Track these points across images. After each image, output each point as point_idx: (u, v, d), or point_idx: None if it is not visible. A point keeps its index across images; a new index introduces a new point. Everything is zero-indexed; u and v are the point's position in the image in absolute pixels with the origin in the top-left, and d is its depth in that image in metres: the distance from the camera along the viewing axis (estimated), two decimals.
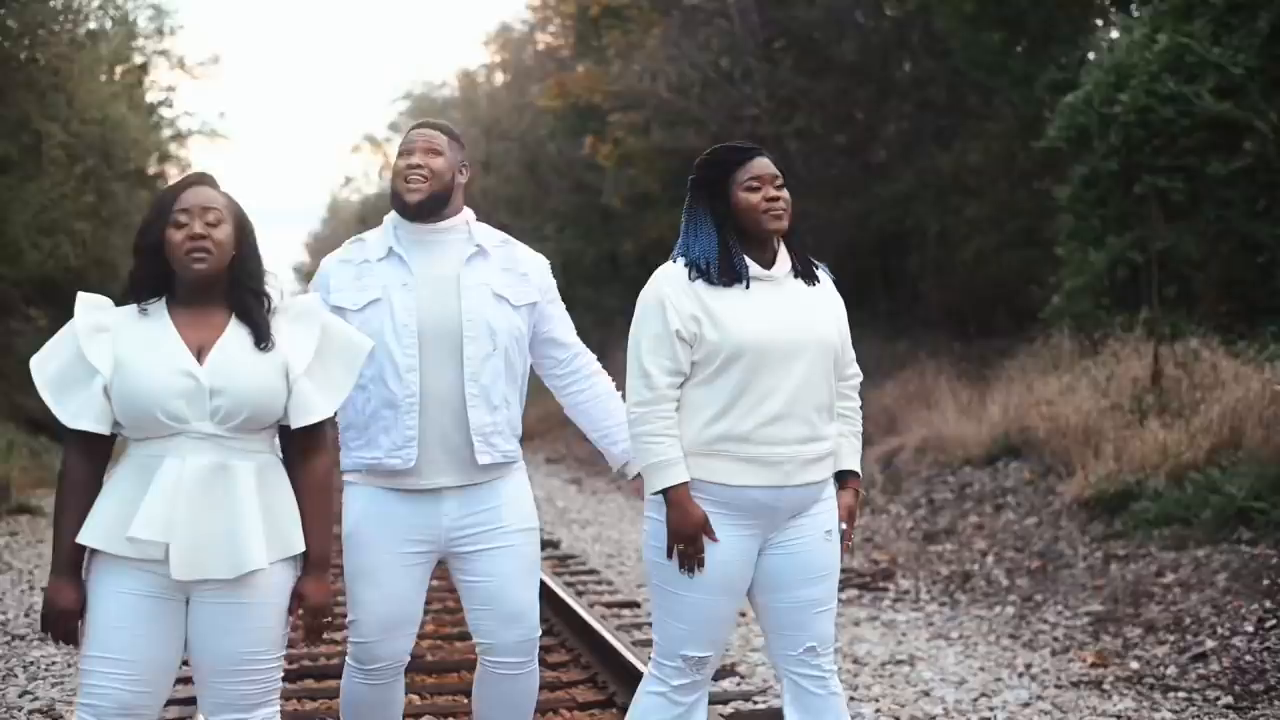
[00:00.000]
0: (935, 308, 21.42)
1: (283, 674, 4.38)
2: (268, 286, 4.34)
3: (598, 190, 29.18)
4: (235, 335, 4.20)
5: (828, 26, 19.47)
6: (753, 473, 4.70)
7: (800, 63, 20.48)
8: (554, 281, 5.45)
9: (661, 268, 4.86)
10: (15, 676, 8.32)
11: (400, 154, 5.23)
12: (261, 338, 4.20)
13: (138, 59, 37.28)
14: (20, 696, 7.80)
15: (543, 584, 6.24)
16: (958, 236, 20.42)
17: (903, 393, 17.47)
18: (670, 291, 4.74)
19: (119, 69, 35.21)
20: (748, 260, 4.76)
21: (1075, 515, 11.78)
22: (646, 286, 4.84)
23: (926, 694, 7.66)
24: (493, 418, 5.13)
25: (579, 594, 10.44)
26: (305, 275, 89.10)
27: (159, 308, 4.23)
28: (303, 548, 4.31)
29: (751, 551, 4.81)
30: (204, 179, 4.30)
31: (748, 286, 4.73)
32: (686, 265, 4.77)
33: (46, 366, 4.16)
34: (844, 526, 4.91)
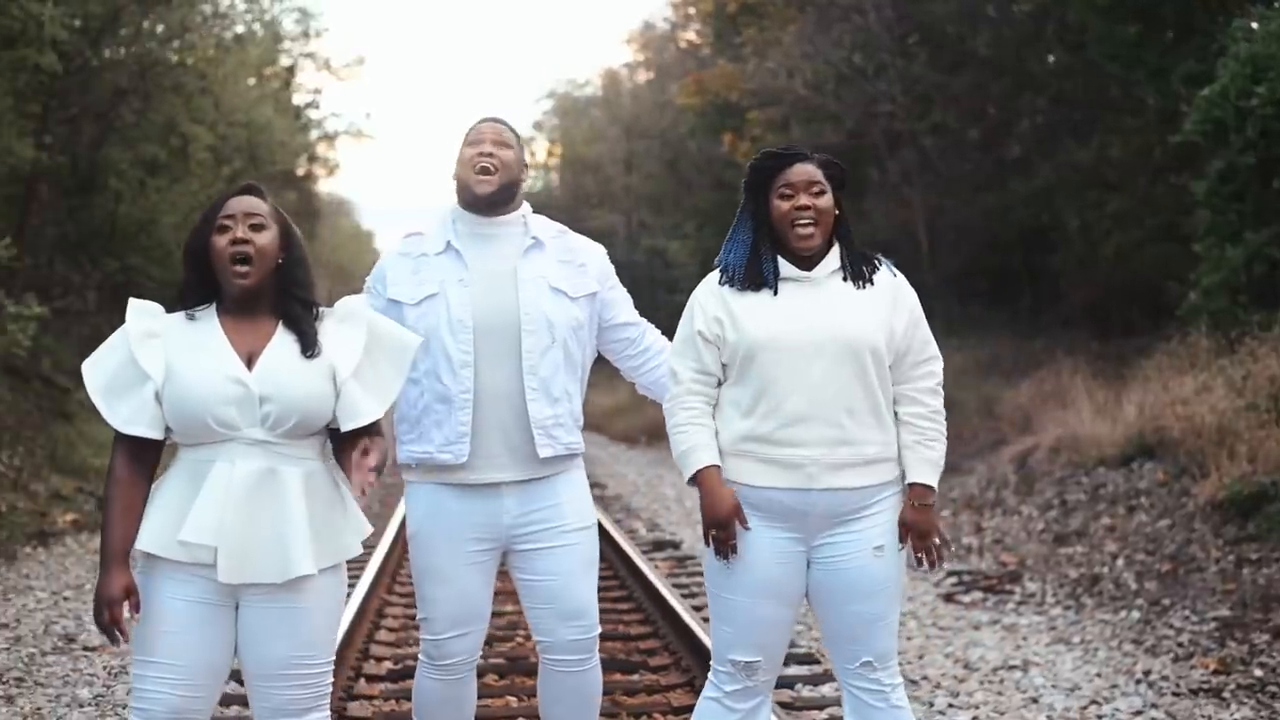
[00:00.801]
0: (1076, 305, 21.05)
1: (332, 679, 4.36)
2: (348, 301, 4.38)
3: (737, 188, 29.04)
4: (283, 342, 4.20)
5: (961, 20, 19.18)
6: (775, 474, 4.64)
7: (935, 58, 20.21)
8: (612, 267, 5.42)
9: (705, 279, 4.87)
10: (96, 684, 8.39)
11: (468, 143, 5.19)
12: (308, 345, 4.20)
13: (285, 62, 37.81)
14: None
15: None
16: (1099, 232, 20.06)
17: (1038, 391, 17.16)
18: (701, 296, 4.77)
19: (266, 72, 35.68)
20: (782, 263, 4.71)
21: (1209, 517, 11.47)
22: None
23: (1034, 701, 7.47)
24: (554, 410, 5.10)
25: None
26: None
27: (208, 314, 4.24)
28: (355, 553, 4.33)
29: (792, 556, 4.73)
30: (251, 189, 4.33)
31: (775, 292, 4.66)
32: (720, 271, 4.78)
33: (98, 371, 4.18)
34: (901, 546, 4.75)
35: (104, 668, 8.51)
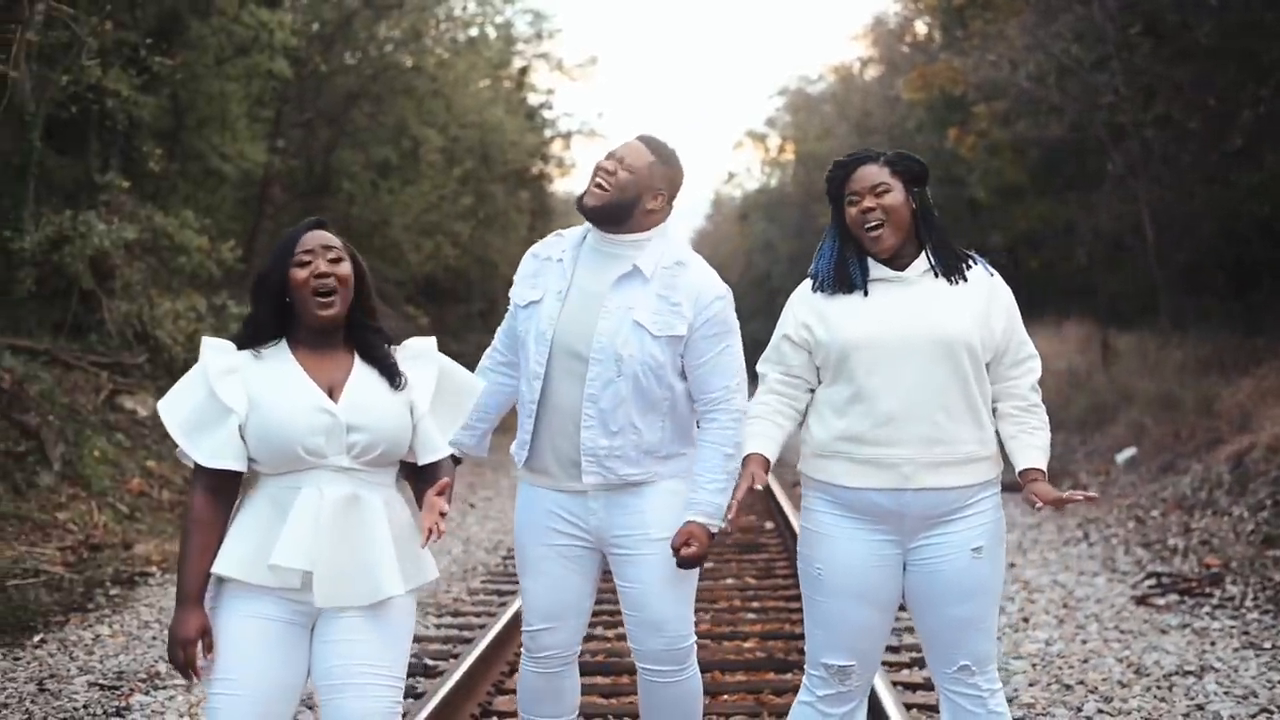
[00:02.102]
0: None
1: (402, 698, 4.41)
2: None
3: (965, 182, 28.75)
4: (364, 374, 4.29)
5: (1184, 8, 18.62)
6: (870, 474, 4.57)
7: (1158, 48, 19.67)
8: (719, 316, 5.13)
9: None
10: None
11: (607, 154, 5.19)
12: (393, 375, 4.30)
13: (518, 63, 38.28)
14: None
15: None
16: None
17: (1257, 389, 16.56)
18: (794, 302, 4.78)
19: (499, 74, 36.19)
20: (874, 265, 4.66)
21: None
22: None
23: (1199, 708, 7.20)
24: (610, 441, 5.07)
25: None
26: None
27: (278, 350, 4.30)
28: (434, 577, 4.43)
29: (887, 559, 4.65)
30: (320, 224, 4.38)
31: (866, 294, 4.60)
32: (810, 277, 4.77)
33: (178, 409, 4.24)
34: (1071, 493, 4.56)
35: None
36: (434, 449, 4.33)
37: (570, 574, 5.23)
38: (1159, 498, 14.96)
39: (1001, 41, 23.05)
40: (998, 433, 4.73)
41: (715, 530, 5.03)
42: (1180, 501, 14.56)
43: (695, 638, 5.34)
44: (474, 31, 34.70)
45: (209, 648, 4.19)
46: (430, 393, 4.34)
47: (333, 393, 4.21)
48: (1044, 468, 4.67)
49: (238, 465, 4.19)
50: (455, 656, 8.33)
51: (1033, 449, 4.67)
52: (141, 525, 13.71)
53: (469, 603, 10.79)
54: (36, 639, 9.46)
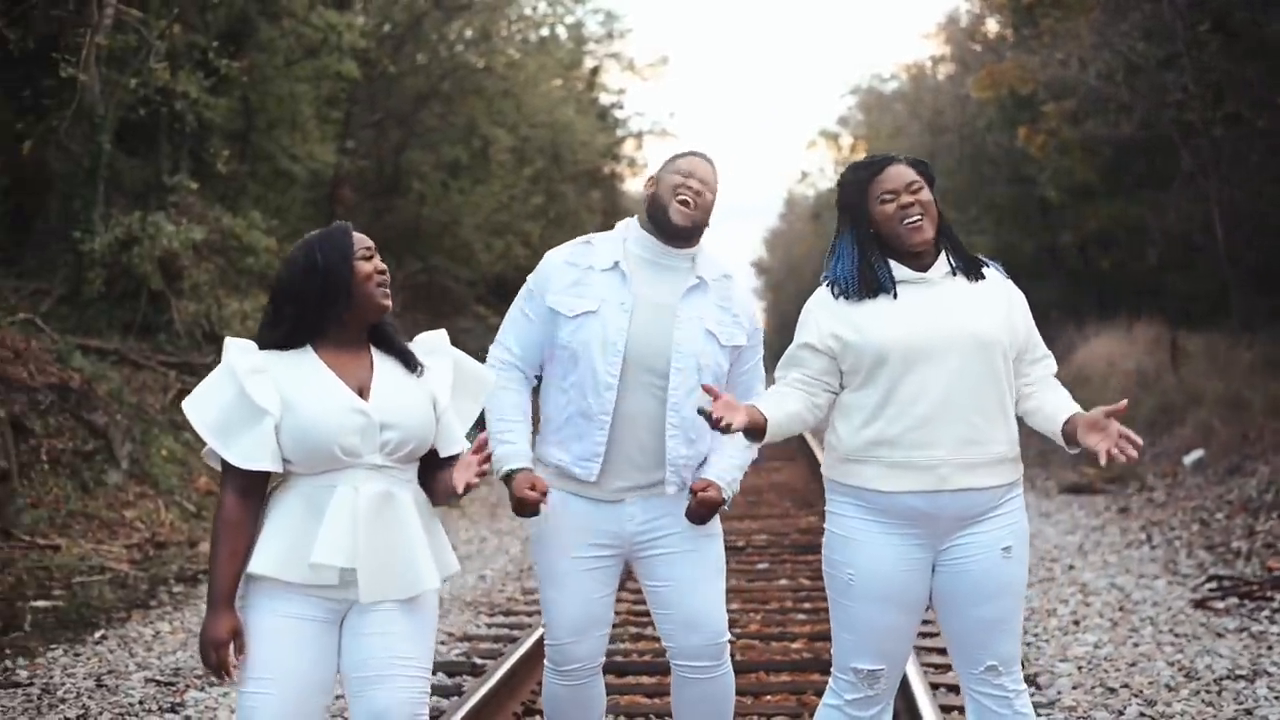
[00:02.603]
0: None
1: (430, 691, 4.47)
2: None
3: (1035, 181, 28.57)
4: (387, 370, 4.35)
5: (1254, 5, 18.44)
6: (906, 478, 4.56)
7: (1227, 46, 19.49)
8: (758, 326, 5.40)
9: (813, 295, 4.83)
10: None
11: (677, 170, 5.19)
12: (411, 364, 4.36)
13: (589, 63, 38.36)
14: None
15: None
16: None
17: None
18: (814, 310, 4.74)
19: (570, 74, 36.28)
20: (897, 268, 4.65)
21: None
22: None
23: (1247, 713, 7.14)
24: (689, 450, 5.15)
25: None
26: (762, 270, 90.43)
27: (305, 351, 4.33)
28: (456, 569, 4.49)
29: (917, 562, 4.65)
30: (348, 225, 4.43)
31: (895, 296, 4.59)
32: (830, 285, 4.73)
33: (206, 409, 4.26)
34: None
35: None
36: (455, 441, 4.41)
37: (598, 586, 5.27)
38: (1225, 500, 14.84)
39: (1072, 40, 22.89)
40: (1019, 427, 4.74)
41: (726, 498, 5.14)
42: (1246, 504, 14.44)
43: (730, 634, 5.37)
44: (544, 31, 34.81)
45: (240, 649, 4.24)
46: (449, 385, 4.41)
47: (362, 392, 4.27)
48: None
49: (273, 466, 4.23)
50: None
51: (1071, 403, 4.69)
52: (207, 523, 13.86)
53: (522, 602, 10.87)
54: (98, 635, 9.61)
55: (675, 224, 5.12)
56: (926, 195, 4.66)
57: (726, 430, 4.46)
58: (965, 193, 33.71)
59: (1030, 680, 7.59)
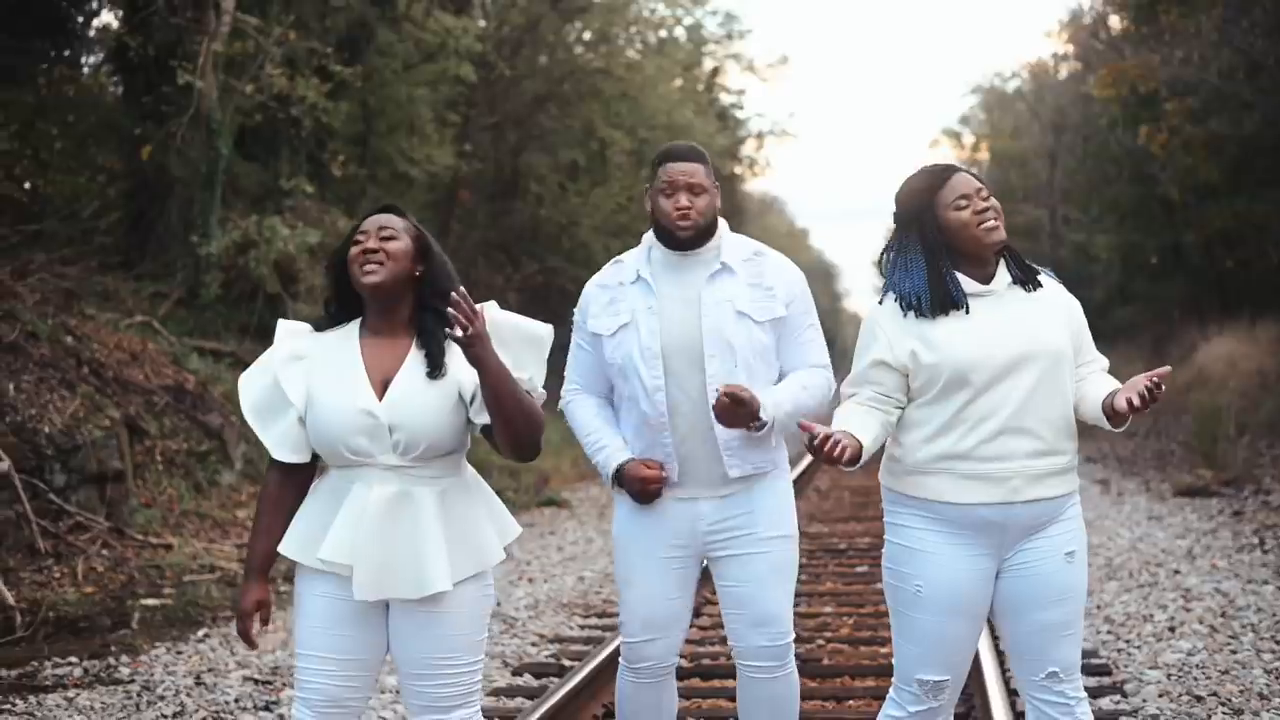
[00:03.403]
0: None
1: (481, 677, 4.51)
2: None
3: (1158, 180, 28.24)
4: (413, 366, 4.34)
5: None
6: (978, 490, 4.53)
7: None
8: (805, 294, 5.33)
9: (873, 309, 4.76)
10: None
11: (662, 193, 5.19)
12: (434, 365, 4.32)
13: (708, 64, 38.38)
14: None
15: None
16: None
17: None
18: (885, 326, 4.65)
19: (689, 75, 36.31)
20: (963, 280, 4.60)
21: None
22: (861, 327, 4.78)
23: None
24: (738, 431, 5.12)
25: None
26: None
27: (350, 333, 4.41)
28: (498, 560, 4.47)
29: (983, 572, 4.62)
30: (389, 208, 4.49)
31: (967, 311, 4.56)
32: (898, 301, 4.65)
33: (250, 390, 4.42)
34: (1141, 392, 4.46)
35: None
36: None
37: (673, 584, 5.30)
38: None
39: (1193, 37, 22.61)
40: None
41: (764, 420, 5.04)
42: None
43: (794, 634, 5.39)
44: (663, 33, 34.88)
45: (265, 619, 4.40)
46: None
47: (386, 383, 4.30)
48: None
49: (297, 458, 4.35)
50: None
51: (1111, 382, 4.65)
52: None
53: (617, 605, 10.88)
54: (201, 633, 9.80)
55: (681, 240, 5.17)
56: (995, 201, 4.66)
57: (838, 460, 4.46)
58: (1087, 192, 33.40)
59: (1115, 688, 7.52)
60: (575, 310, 5.43)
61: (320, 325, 4.46)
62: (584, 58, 30.56)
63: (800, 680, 7.73)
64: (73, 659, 8.97)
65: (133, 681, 8.37)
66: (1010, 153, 43.47)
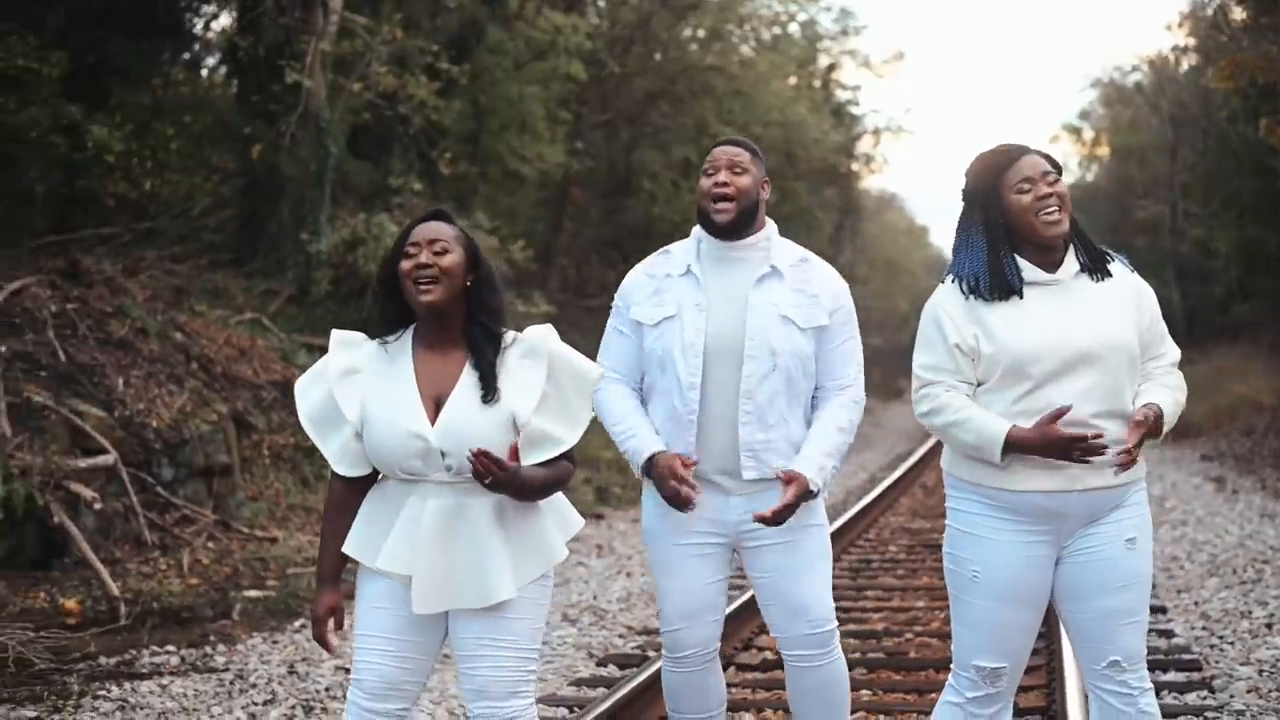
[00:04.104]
0: None
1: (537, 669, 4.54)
2: None
3: (1279, 174, 27.75)
4: (466, 387, 4.33)
5: None
6: (1035, 478, 4.47)
7: None
8: (848, 305, 5.32)
9: (936, 290, 4.71)
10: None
11: (705, 173, 5.25)
12: (488, 390, 4.32)
13: (823, 61, 38.27)
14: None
15: None
16: None
17: None
18: (949, 309, 4.59)
19: (803, 71, 36.23)
20: (1025, 267, 4.53)
21: None
22: (924, 310, 4.71)
23: None
24: (765, 435, 5.11)
25: None
26: None
27: (404, 344, 4.42)
28: (561, 557, 4.49)
29: (1043, 559, 4.56)
30: (438, 214, 4.47)
31: (1022, 296, 4.50)
32: (956, 282, 4.61)
33: (306, 399, 4.44)
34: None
35: None
36: (542, 447, 4.36)
37: (706, 571, 5.29)
38: None
39: None
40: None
41: (815, 489, 5.07)
42: None
43: (836, 622, 5.35)
44: (776, 30, 34.82)
45: (340, 624, 4.44)
46: (537, 395, 4.35)
47: (438, 404, 4.30)
48: (1161, 408, 4.49)
49: (358, 471, 4.39)
50: None
51: (1161, 388, 4.55)
52: None
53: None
54: (298, 624, 9.93)
55: (720, 224, 5.16)
56: (1062, 187, 4.58)
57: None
58: (1208, 186, 32.90)
59: (1204, 683, 7.41)
60: (616, 296, 5.42)
61: (374, 333, 4.46)
62: (696, 55, 30.56)
63: (885, 673, 7.81)
64: (170, 648, 9.13)
65: (226, 670, 8.50)
66: (1130, 147, 42.91)
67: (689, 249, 5.31)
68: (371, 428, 4.31)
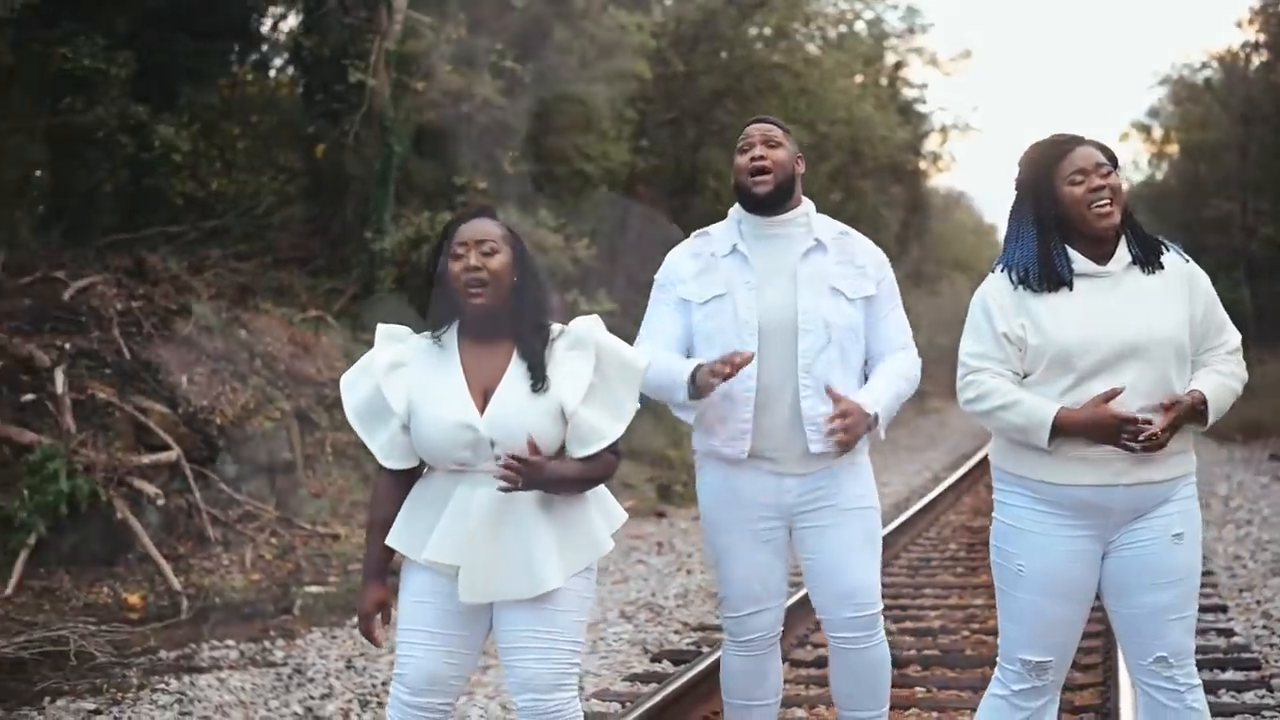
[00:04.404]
0: None
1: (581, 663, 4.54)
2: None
3: None
4: (515, 378, 4.35)
5: None
6: (1080, 471, 4.45)
7: None
8: (890, 275, 5.37)
9: (985, 280, 4.69)
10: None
11: (740, 150, 5.26)
12: (537, 380, 4.33)
13: (890, 58, 38.12)
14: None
15: None
16: None
17: None
18: (998, 298, 4.58)
19: (870, 69, 36.08)
20: (1076, 258, 4.50)
21: None
22: (973, 299, 4.68)
23: None
24: (826, 408, 5.09)
25: None
26: None
27: (451, 338, 4.44)
28: (607, 549, 4.50)
29: (1088, 554, 4.54)
30: (483, 211, 4.48)
31: (1071, 288, 4.47)
32: (1006, 271, 4.59)
33: (354, 393, 4.45)
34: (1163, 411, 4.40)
35: None
36: (585, 442, 4.36)
37: (766, 554, 5.31)
38: None
39: None
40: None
41: (872, 421, 5.07)
42: None
43: (882, 604, 5.36)
44: (843, 28, 34.70)
45: (387, 619, 4.45)
46: (584, 386, 4.36)
47: (486, 395, 4.32)
48: (1205, 394, 4.45)
49: (405, 465, 4.41)
50: None
51: (1211, 373, 4.52)
52: None
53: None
54: (357, 619, 9.97)
55: (760, 196, 5.17)
56: (1116, 179, 4.54)
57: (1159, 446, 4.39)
58: (1278, 184, 32.56)
59: (1262, 681, 7.34)
60: (658, 275, 5.42)
61: (420, 329, 4.48)
62: (762, 53, 30.47)
63: (940, 670, 7.78)
64: (230, 642, 9.23)
65: (285, 665, 8.57)
66: (1200, 145, 42.49)
67: (729, 229, 5.32)
68: (419, 419, 4.32)
